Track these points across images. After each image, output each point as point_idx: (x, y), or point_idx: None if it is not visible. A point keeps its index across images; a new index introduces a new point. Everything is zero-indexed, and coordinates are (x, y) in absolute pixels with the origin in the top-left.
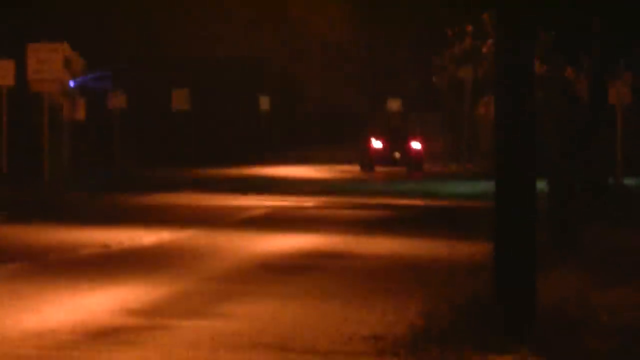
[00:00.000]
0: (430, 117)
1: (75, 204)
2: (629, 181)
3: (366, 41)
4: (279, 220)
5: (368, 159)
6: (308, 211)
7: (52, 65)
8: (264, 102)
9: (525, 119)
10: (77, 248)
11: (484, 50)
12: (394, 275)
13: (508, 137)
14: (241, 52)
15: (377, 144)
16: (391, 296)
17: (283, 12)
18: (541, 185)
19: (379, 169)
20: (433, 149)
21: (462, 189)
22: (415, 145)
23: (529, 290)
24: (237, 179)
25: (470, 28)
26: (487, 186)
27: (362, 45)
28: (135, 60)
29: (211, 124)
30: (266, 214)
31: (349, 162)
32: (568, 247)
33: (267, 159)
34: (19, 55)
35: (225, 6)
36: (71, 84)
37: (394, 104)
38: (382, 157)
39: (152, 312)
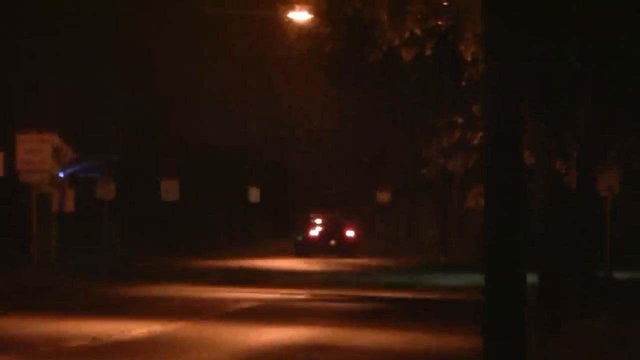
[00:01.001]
0: (420, 208)
1: (63, 293)
2: (618, 274)
3: (354, 130)
4: (269, 313)
5: (306, 245)
6: (298, 304)
7: (40, 156)
8: (254, 194)
9: (514, 210)
10: (66, 340)
11: (474, 142)
12: None
13: (497, 230)
14: (229, 141)
15: (314, 232)
16: None
17: (270, 101)
18: (532, 279)
19: (314, 255)
20: (423, 239)
21: (451, 281)
22: (349, 232)
23: None
24: (227, 270)
25: (460, 120)
26: (475, 279)
27: (350, 134)
28: (124, 150)
29: (200, 214)
30: (257, 306)
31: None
32: (558, 339)
33: (256, 249)
34: (8, 145)
35: (212, 97)
36: (60, 174)
37: (384, 196)
38: (319, 244)
39: None
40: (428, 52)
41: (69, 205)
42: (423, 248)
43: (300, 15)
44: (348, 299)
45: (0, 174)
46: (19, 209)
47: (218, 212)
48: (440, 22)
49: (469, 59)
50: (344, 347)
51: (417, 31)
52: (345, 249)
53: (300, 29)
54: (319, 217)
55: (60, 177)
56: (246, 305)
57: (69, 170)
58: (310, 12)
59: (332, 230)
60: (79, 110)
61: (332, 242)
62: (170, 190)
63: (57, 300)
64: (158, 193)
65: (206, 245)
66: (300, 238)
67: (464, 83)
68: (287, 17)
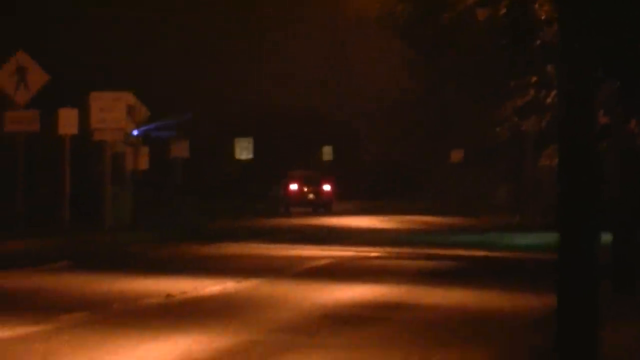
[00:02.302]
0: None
1: (137, 252)
2: None
3: (425, 90)
4: (342, 271)
5: (286, 200)
6: (372, 262)
7: (115, 114)
8: (327, 152)
9: (588, 170)
10: (140, 297)
11: (548, 101)
12: (455, 328)
13: (571, 189)
14: (303, 102)
15: (293, 187)
16: (452, 349)
17: (345, 65)
18: (605, 238)
19: (294, 209)
20: (496, 199)
21: (524, 240)
22: (326, 187)
23: (591, 344)
24: (300, 228)
25: (534, 79)
26: (549, 238)
27: (421, 95)
28: (198, 110)
29: (274, 173)
30: (330, 264)
31: (411, 212)
32: (632, 298)
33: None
34: (82, 104)
35: (290, 60)
36: (134, 132)
37: (457, 155)
38: (298, 198)
39: None
40: (502, 12)
41: (143, 164)
42: (496, 208)
43: None
44: (421, 257)
45: (74, 132)
46: (91, 169)
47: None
48: None
49: (542, 18)
50: (416, 305)
51: None
52: (323, 202)
53: None
54: (297, 175)
55: (135, 136)
56: (320, 263)
57: (143, 129)
58: None
59: (310, 185)
60: (155, 71)
61: (311, 196)
62: (244, 148)
63: (130, 259)
64: (232, 152)
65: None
66: (276, 193)
67: (538, 42)
68: None
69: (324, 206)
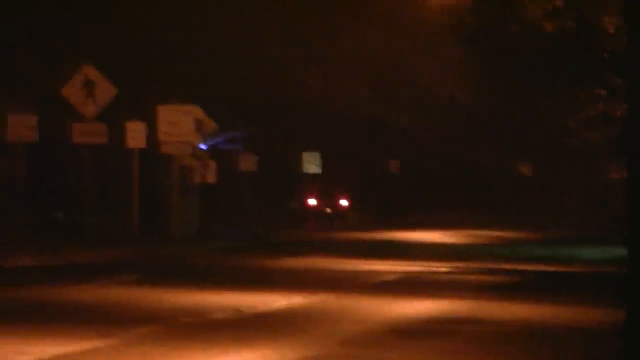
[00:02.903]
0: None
1: (205, 266)
2: None
3: (494, 102)
4: (411, 285)
5: (304, 213)
6: (439, 276)
7: (182, 128)
8: (394, 166)
9: None
10: (209, 312)
11: (618, 114)
12: (523, 342)
13: None
14: (365, 112)
15: (312, 201)
16: None
17: (407, 73)
18: None
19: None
20: (565, 211)
21: (592, 253)
22: (343, 202)
23: None
24: (368, 242)
25: (603, 92)
26: (617, 251)
27: (488, 105)
28: (265, 123)
29: (341, 185)
30: (398, 279)
31: (479, 226)
32: None
33: (396, 223)
34: (151, 117)
35: (347, 68)
36: (202, 146)
37: (525, 168)
38: (316, 211)
39: None
40: (570, 24)
41: (211, 178)
42: (565, 220)
43: None
44: (488, 272)
45: (143, 146)
46: (160, 181)
47: (359, 184)
48: None
49: (611, 32)
50: (483, 319)
51: (559, 3)
52: (339, 215)
53: (442, 2)
54: (314, 188)
55: (202, 149)
56: (388, 278)
57: (210, 143)
58: None
59: (328, 199)
60: (220, 84)
61: (328, 210)
62: (311, 162)
63: (198, 272)
64: (299, 165)
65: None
66: (295, 206)
67: (606, 55)
68: None
69: (340, 218)
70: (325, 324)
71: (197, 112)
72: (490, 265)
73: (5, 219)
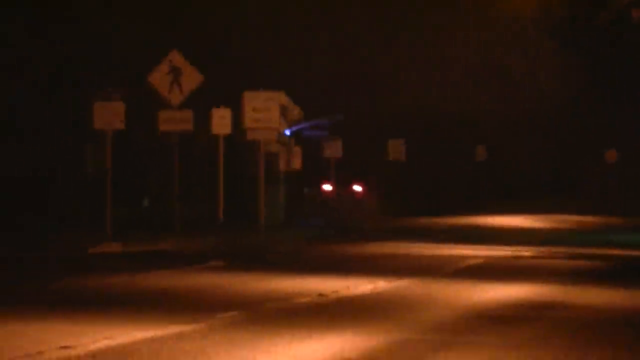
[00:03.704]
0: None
1: (289, 252)
2: None
3: (580, 91)
4: (495, 270)
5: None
6: (522, 261)
7: (268, 114)
8: (481, 153)
9: None
10: (293, 296)
11: None
12: (607, 327)
13: None
14: (455, 103)
15: (327, 187)
16: (608, 348)
17: (500, 64)
18: None
19: None
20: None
21: None
22: (357, 188)
23: None
24: (453, 228)
25: None
26: None
27: (575, 95)
28: (350, 110)
29: (426, 174)
30: (482, 263)
31: (565, 211)
32: None
33: (482, 208)
34: (235, 103)
35: (438, 60)
36: (287, 132)
37: (611, 155)
38: (331, 195)
39: None
40: None
41: (296, 164)
42: None
43: None
44: (574, 257)
45: (228, 132)
46: (245, 168)
47: (444, 171)
48: None
49: None
50: (569, 304)
51: None
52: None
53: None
54: (329, 175)
55: (287, 135)
56: (472, 262)
57: (295, 129)
58: None
59: (342, 186)
60: (307, 70)
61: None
62: (397, 150)
63: (282, 259)
64: (384, 153)
65: (432, 204)
66: (309, 190)
67: None
68: None
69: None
70: (410, 309)
71: (282, 98)
72: (578, 251)
73: (95, 207)
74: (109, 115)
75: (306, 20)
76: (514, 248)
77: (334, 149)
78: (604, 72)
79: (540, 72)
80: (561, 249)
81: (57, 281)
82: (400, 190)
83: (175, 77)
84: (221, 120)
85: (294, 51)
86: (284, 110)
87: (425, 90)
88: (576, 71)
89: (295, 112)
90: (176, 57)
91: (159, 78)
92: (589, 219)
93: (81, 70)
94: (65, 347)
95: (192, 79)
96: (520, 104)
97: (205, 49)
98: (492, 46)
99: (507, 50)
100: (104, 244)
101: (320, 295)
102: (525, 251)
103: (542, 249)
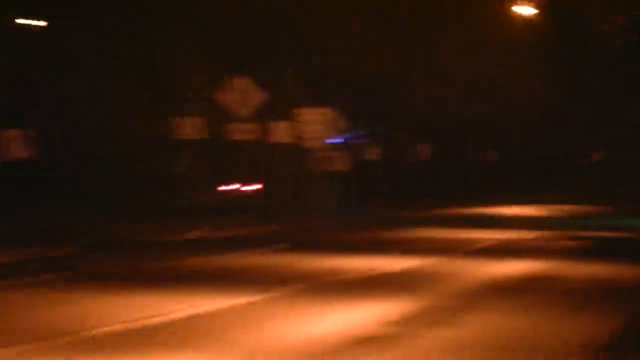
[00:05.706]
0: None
1: (340, 236)
2: None
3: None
4: (505, 250)
5: None
6: (529, 243)
7: (319, 125)
8: (492, 155)
9: None
10: (342, 272)
11: None
12: (594, 293)
13: None
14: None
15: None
16: (596, 311)
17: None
18: None
19: None
20: (631, 188)
21: None
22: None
23: None
24: (471, 216)
25: None
26: None
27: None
28: (387, 120)
29: (448, 171)
30: (494, 244)
31: (561, 202)
32: None
33: (494, 200)
34: (293, 116)
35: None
36: (335, 140)
37: (597, 156)
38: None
39: (407, 322)
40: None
41: (344, 166)
42: (633, 197)
43: (524, 10)
44: (570, 239)
45: (287, 141)
46: (303, 169)
47: (462, 169)
48: None
49: None
50: (562, 276)
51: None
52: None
53: (524, 20)
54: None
55: (336, 143)
56: (486, 244)
57: (342, 138)
58: (534, 7)
59: None
60: (350, 89)
61: None
62: (423, 152)
63: (334, 242)
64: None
65: (454, 196)
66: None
67: None
68: (512, 10)
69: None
70: (438, 281)
71: (330, 112)
72: (570, 233)
73: (182, 199)
74: (189, 127)
75: (350, 46)
76: (520, 232)
77: (372, 154)
78: (589, 87)
79: (531, 84)
80: (559, 232)
81: (164, 261)
82: (426, 184)
83: (242, 95)
84: (281, 131)
85: (342, 74)
86: (333, 122)
87: (440, 102)
88: (565, 85)
89: (341, 123)
90: (242, 79)
91: (227, 96)
92: (583, 208)
93: (170, 93)
94: (163, 314)
95: (257, 96)
96: (516, 112)
97: (270, 72)
98: (489, 59)
99: (502, 63)
100: (190, 230)
101: (369, 270)
102: (529, 235)
103: (542, 232)
